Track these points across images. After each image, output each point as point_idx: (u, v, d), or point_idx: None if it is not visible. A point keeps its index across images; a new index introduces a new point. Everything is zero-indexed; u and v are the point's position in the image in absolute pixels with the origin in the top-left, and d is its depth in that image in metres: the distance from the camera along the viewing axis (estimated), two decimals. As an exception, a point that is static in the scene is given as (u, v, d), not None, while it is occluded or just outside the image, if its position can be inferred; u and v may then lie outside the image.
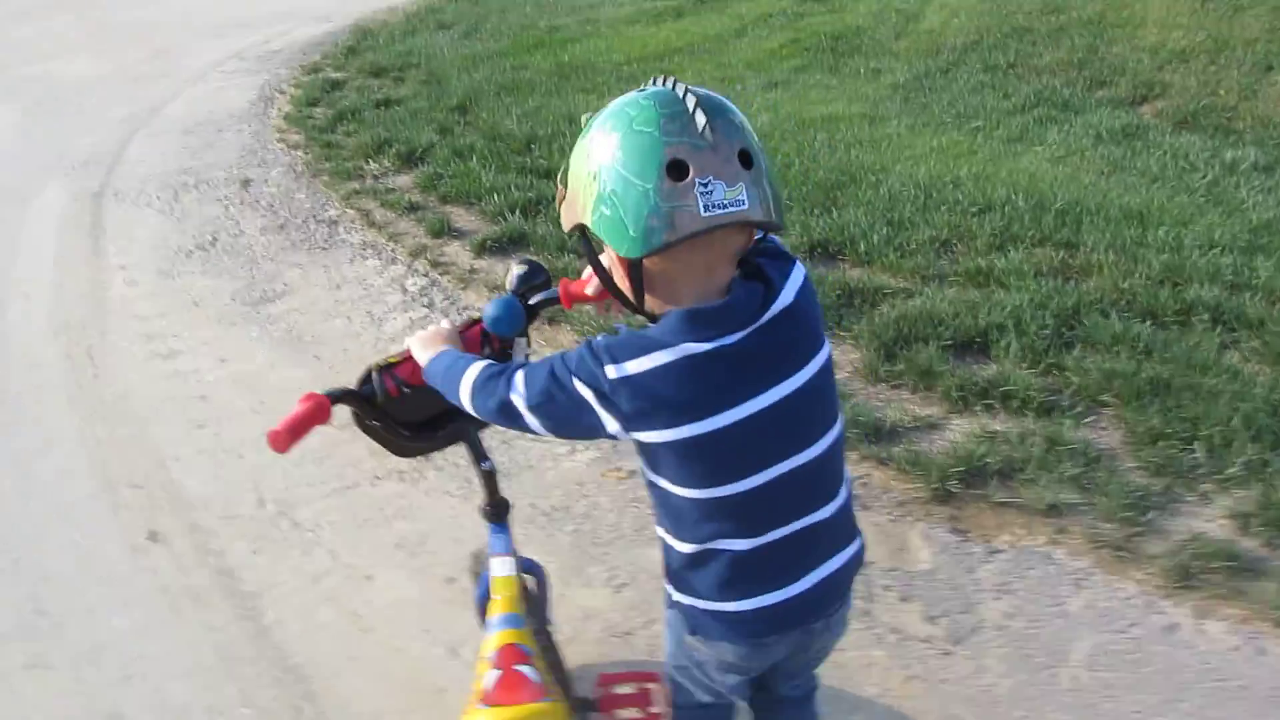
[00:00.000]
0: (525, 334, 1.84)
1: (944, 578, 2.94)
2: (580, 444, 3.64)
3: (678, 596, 1.60)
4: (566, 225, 1.42)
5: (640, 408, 1.36)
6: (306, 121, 7.93)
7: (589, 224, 1.34)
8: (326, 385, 1.74)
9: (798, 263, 1.47)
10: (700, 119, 1.27)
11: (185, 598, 3.08)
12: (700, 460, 1.41)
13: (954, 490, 3.23)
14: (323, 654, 2.84)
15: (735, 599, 1.52)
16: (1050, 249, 4.68)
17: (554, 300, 1.74)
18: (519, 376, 1.46)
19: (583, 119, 1.42)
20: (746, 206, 1.28)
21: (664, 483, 1.47)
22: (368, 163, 6.76)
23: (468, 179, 6.07)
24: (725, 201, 1.26)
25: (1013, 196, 5.32)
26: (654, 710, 1.85)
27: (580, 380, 1.38)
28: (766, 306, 1.39)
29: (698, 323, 1.35)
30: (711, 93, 1.36)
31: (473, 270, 5.06)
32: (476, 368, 1.54)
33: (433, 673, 2.74)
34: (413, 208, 5.90)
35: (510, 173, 6.17)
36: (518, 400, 1.45)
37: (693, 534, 1.50)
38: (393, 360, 1.76)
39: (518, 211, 5.52)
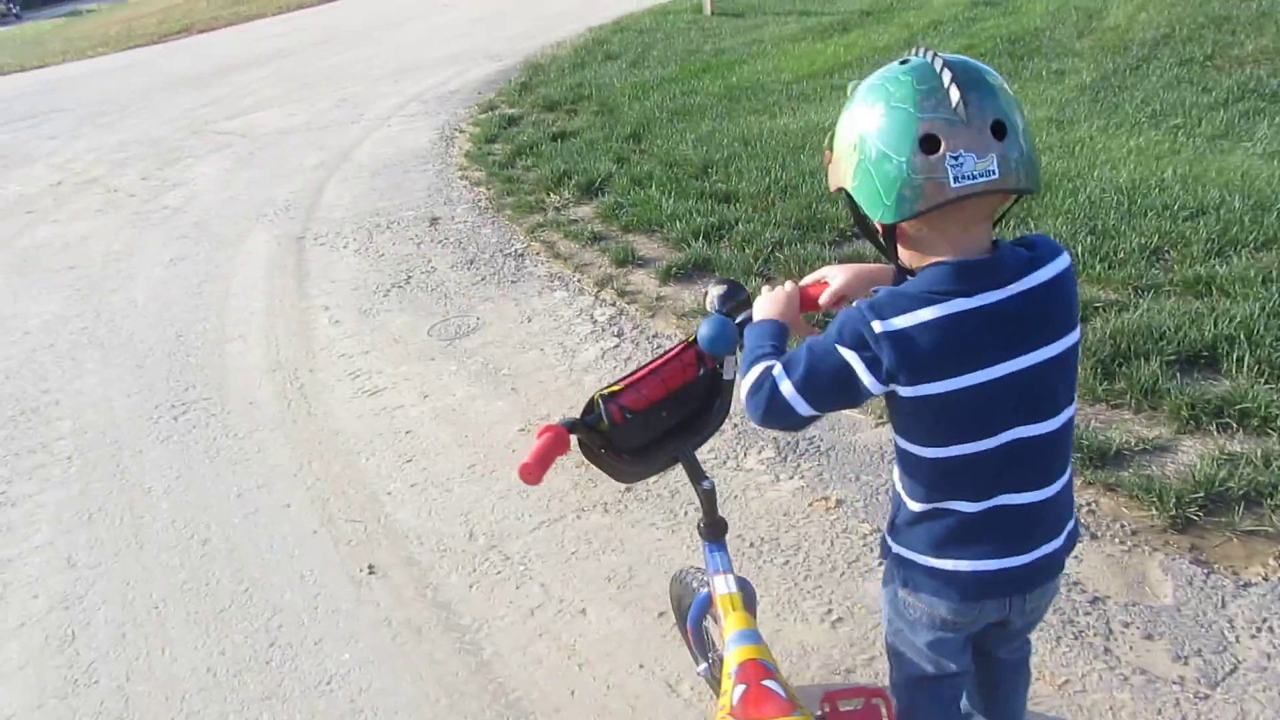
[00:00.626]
0: (734, 351, 1.84)
1: (1190, 613, 2.72)
2: (785, 473, 3.57)
3: (897, 549, 1.68)
4: (832, 186, 1.52)
5: (902, 362, 1.42)
6: (487, 158, 8.15)
7: (850, 189, 1.45)
8: (538, 417, 1.77)
9: (1066, 253, 1.51)
10: (954, 94, 1.33)
11: (407, 630, 3.15)
12: (948, 416, 1.48)
13: (1193, 518, 3.00)
14: (542, 688, 2.84)
15: (952, 558, 1.59)
16: (1277, 253, 4.33)
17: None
18: (779, 367, 1.54)
19: (848, 87, 1.48)
20: (997, 176, 1.33)
21: (908, 444, 1.55)
22: (549, 195, 6.88)
23: (648, 207, 6.09)
24: (975, 172, 1.32)
25: (1227, 198, 4.97)
26: None
27: (842, 345, 1.46)
28: (1032, 270, 1.45)
29: (964, 275, 1.42)
30: (969, 61, 1.39)
31: (659, 298, 5.06)
32: (758, 369, 1.58)
33: (652, 708, 2.71)
34: (596, 238, 5.96)
35: (690, 199, 6.16)
36: (785, 386, 1.52)
37: (926, 492, 1.57)
38: (615, 389, 1.81)
39: (701, 238, 5.49)
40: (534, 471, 1.62)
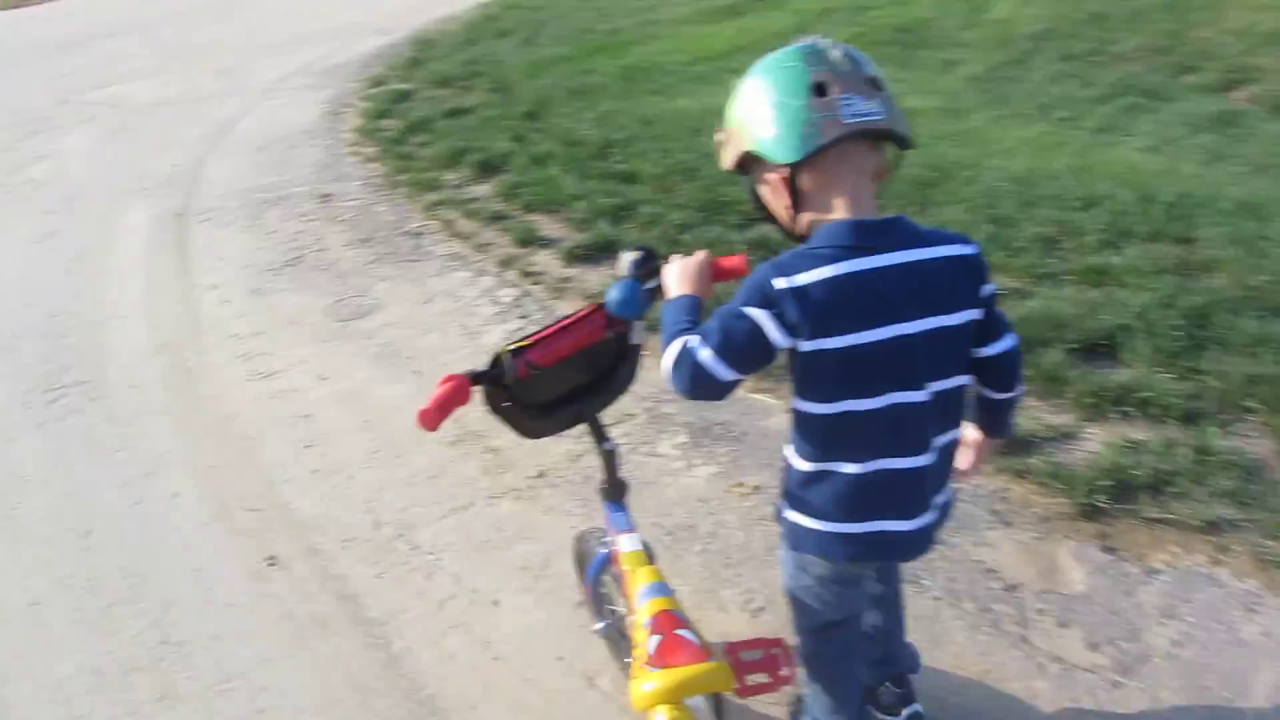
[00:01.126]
0: (643, 316, 1.93)
1: (1102, 601, 2.77)
2: (699, 459, 3.53)
3: (787, 513, 1.79)
4: (728, 163, 1.67)
5: (804, 316, 1.52)
6: (379, 134, 7.89)
7: (752, 147, 1.58)
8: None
9: (974, 246, 1.64)
10: (835, 52, 1.54)
11: (311, 625, 3.00)
12: (839, 372, 1.57)
13: (1101, 505, 3.05)
14: (456, 685, 2.74)
15: (839, 520, 1.70)
16: (1166, 244, 4.49)
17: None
18: (695, 339, 1.60)
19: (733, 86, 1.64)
20: (883, 117, 1.51)
21: (803, 402, 1.65)
22: (445, 173, 6.71)
23: (550, 186, 5.97)
24: (864, 111, 1.49)
25: (1116, 190, 5.12)
26: (783, 673, 1.88)
27: (750, 305, 1.54)
28: (923, 243, 1.58)
29: (860, 233, 1.55)
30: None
31: (564, 279, 4.96)
32: (676, 344, 1.64)
33: (571, 704, 2.63)
34: (496, 217, 5.82)
35: (591, 179, 6.07)
36: (704, 355, 1.58)
37: (815, 451, 1.68)
38: (522, 344, 1.83)
39: (604, 219, 5.41)
40: (433, 417, 1.65)
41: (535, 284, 4.98)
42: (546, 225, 5.63)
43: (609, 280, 2.21)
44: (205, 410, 4.19)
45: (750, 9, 11.85)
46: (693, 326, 1.65)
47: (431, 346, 4.48)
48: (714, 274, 1.82)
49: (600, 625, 2.51)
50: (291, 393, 4.24)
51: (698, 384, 1.61)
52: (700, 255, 1.83)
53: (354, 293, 5.12)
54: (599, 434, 2.01)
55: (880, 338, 1.55)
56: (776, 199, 1.64)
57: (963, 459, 1.86)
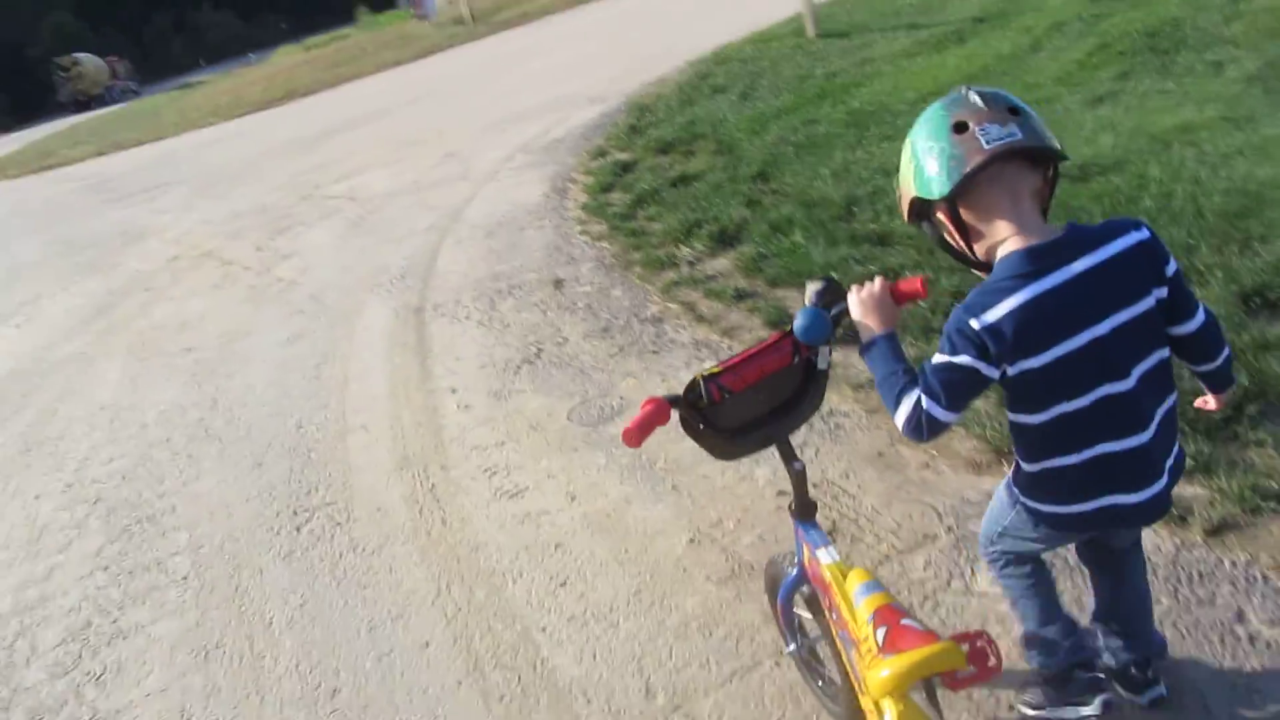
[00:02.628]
0: (829, 342, 1.96)
1: None
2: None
3: (1026, 500, 1.95)
4: (907, 218, 1.83)
5: (1002, 347, 1.66)
6: (605, 210, 7.56)
7: (915, 192, 1.73)
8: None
9: (1144, 227, 1.72)
10: (973, 96, 1.68)
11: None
12: (1046, 384, 1.71)
13: None
14: None
15: (1072, 503, 1.87)
16: None
17: (848, 311, 1.88)
18: (924, 399, 1.71)
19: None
20: (1020, 137, 1.62)
21: (1017, 415, 1.81)
22: (679, 248, 6.24)
23: (794, 256, 5.39)
24: (1001, 135, 1.62)
25: None
26: (991, 664, 1.72)
27: (957, 354, 1.68)
28: (1098, 245, 1.68)
29: (1033, 258, 1.66)
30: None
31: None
32: (907, 404, 1.74)
33: None
34: (740, 295, 5.27)
35: (839, 244, 5.44)
36: (938, 412, 1.71)
37: (1035, 454, 1.86)
38: (715, 370, 1.91)
39: (864, 291, 4.73)
40: (635, 436, 1.78)
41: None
42: (797, 301, 5.00)
43: (801, 293, 2.33)
44: (452, 538, 3.82)
45: (974, 33, 10.93)
46: (910, 379, 1.74)
47: (689, 455, 3.94)
48: (895, 299, 1.86)
49: (792, 647, 2.49)
50: (540, 516, 3.81)
51: (933, 433, 1.73)
52: (880, 282, 1.86)
53: (598, 392, 4.68)
54: (788, 454, 2.06)
55: (1076, 346, 1.67)
56: (951, 236, 1.77)
57: (1207, 407, 2.04)
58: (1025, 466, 1.89)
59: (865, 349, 1.83)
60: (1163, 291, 1.71)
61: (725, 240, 6.15)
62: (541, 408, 4.67)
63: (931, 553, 3.12)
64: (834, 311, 1.90)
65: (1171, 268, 1.72)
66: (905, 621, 1.65)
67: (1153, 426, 1.78)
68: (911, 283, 1.87)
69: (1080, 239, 1.67)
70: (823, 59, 11.52)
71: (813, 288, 1.94)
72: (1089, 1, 10.67)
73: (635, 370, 4.83)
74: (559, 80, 14.82)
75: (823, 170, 6.93)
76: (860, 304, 1.84)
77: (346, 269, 7.81)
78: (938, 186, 1.67)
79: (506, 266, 6.87)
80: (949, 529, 3.22)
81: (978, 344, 1.65)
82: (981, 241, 1.73)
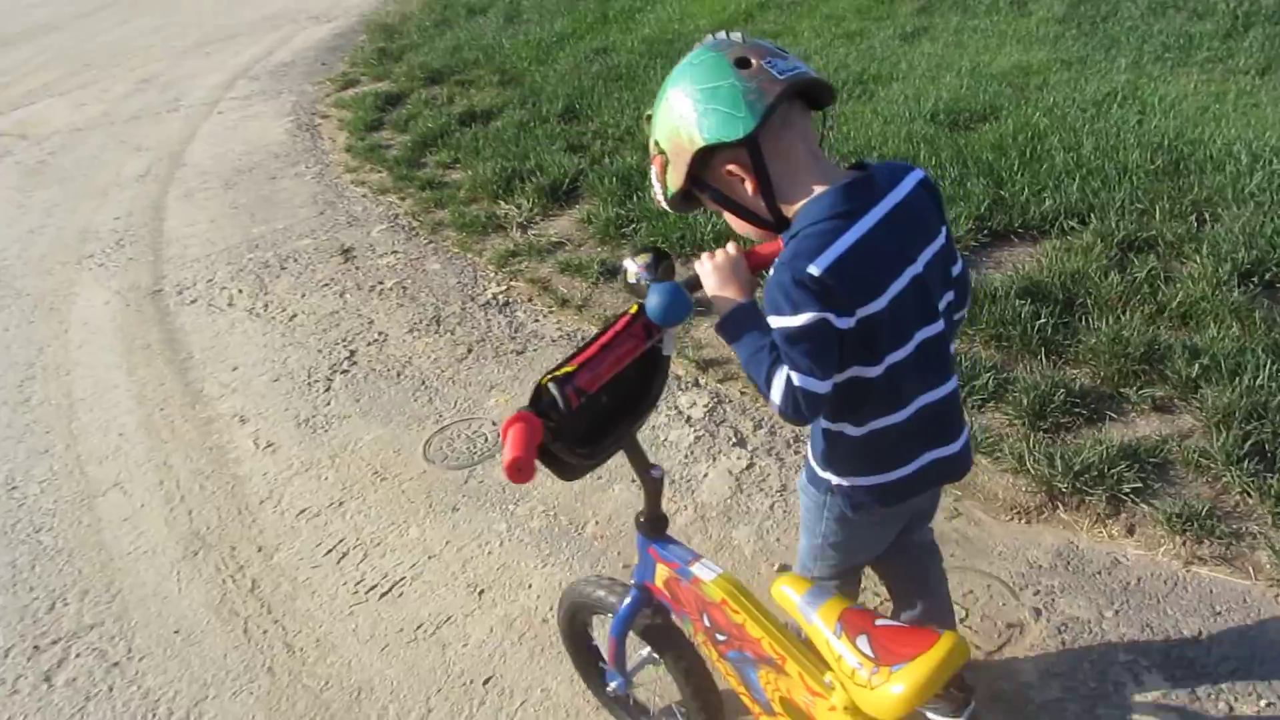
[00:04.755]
0: (687, 320, 1.81)
1: None
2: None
3: (841, 480, 1.68)
4: (679, 182, 1.50)
5: (850, 291, 1.42)
6: (379, 153, 6.12)
7: (703, 140, 1.43)
8: None
9: (917, 168, 1.55)
10: (737, 35, 1.46)
11: None
12: (882, 332, 1.47)
13: None
14: None
15: (897, 467, 1.64)
16: None
17: (697, 284, 1.57)
18: (796, 375, 1.43)
19: (649, 112, 1.52)
20: (806, 68, 1.44)
21: (854, 370, 1.51)
22: (498, 204, 4.98)
23: (665, 220, 4.31)
24: (790, 67, 1.42)
25: None
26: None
27: (800, 310, 1.39)
28: (898, 180, 1.51)
29: (850, 195, 1.45)
30: None
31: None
32: (779, 381, 1.44)
33: None
34: (611, 271, 4.14)
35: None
36: (813, 385, 1.43)
37: (865, 416, 1.58)
38: (567, 370, 1.48)
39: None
40: (525, 465, 1.35)
41: (725, 380, 3.35)
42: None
43: (621, 275, 1.77)
44: (313, 680, 2.51)
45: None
46: (777, 353, 1.44)
47: (619, 505, 2.83)
48: (751, 264, 1.55)
49: (615, 684, 2.04)
50: (439, 626, 2.59)
51: (814, 411, 1.46)
52: (734, 247, 1.55)
53: (456, 414, 3.45)
54: (641, 459, 1.69)
55: (903, 285, 1.48)
56: (745, 191, 1.49)
57: None
58: (850, 433, 1.61)
59: (724, 324, 1.52)
60: (945, 229, 1.57)
61: (557, 196, 4.98)
62: (380, 441, 3.38)
63: (1029, 649, 2.24)
64: (680, 281, 1.57)
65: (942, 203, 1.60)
66: (882, 623, 1.43)
67: (953, 372, 1.65)
68: (770, 245, 1.56)
69: (881, 175, 1.49)
70: (581, -23, 10.29)
71: (639, 261, 1.63)
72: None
73: (499, 379, 3.62)
74: (269, -5, 12.64)
75: (643, 108, 5.83)
76: (715, 273, 1.54)
77: (34, 234, 5.88)
78: (742, 124, 1.40)
79: (265, 229, 5.33)
80: (1036, 612, 2.35)
81: (820, 293, 1.39)
82: (784, 189, 1.47)
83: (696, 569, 1.70)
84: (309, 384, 3.78)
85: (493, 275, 4.39)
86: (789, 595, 1.51)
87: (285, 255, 4.95)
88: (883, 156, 4.68)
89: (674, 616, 1.83)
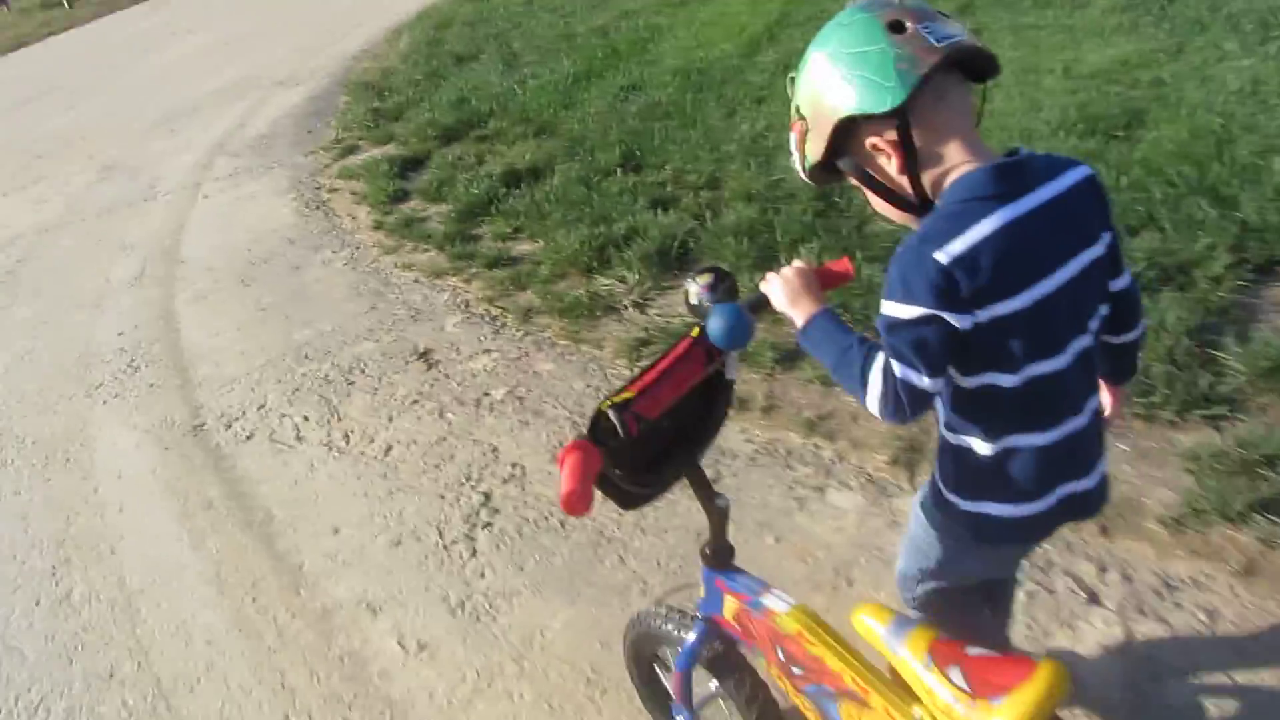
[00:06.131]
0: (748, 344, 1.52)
1: None
2: None
3: (969, 506, 1.46)
4: (819, 153, 1.35)
5: (978, 282, 1.23)
6: (419, 229, 5.25)
7: (848, 111, 1.28)
8: None
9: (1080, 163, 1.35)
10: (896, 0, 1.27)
11: None
12: (1028, 333, 1.29)
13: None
14: None
15: (1035, 499, 1.41)
16: None
17: (766, 303, 1.48)
18: (898, 367, 1.28)
19: (792, 74, 1.36)
20: (966, 38, 1.25)
21: (988, 377, 1.32)
22: (597, 279, 4.10)
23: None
24: (948, 33, 1.24)
25: None
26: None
27: (918, 303, 1.24)
28: (1055, 173, 1.31)
29: (1001, 177, 1.26)
30: None
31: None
32: (877, 378, 1.30)
33: None
34: (788, 355, 3.30)
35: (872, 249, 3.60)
36: (917, 379, 1.27)
37: (997, 430, 1.37)
38: (626, 395, 1.38)
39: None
40: (581, 496, 1.26)
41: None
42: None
43: (684, 297, 1.52)
44: None
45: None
46: (871, 347, 1.32)
47: None
48: (821, 283, 1.48)
49: (683, 718, 1.91)
50: None
51: (917, 409, 1.29)
52: (801, 265, 1.47)
53: (666, 577, 2.60)
54: (705, 488, 1.59)
55: (1054, 286, 1.27)
56: (889, 168, 1.31)
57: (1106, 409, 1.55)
58: (980, 449, 1.38)
59: (804, 333, 1.40)
60: (1110, 236, 1.36)
61: (667, 263, 4.14)
62: (576, 630, 2.51)
63: None
64: (747, 303, 1.45)
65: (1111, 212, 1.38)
66: (975, 651, 1.29)
67: (1096, 394, 1.44)
68: (840, 263, 1.52)
69: (1038, 164, 1.29)
70: (567, 15, 9.61)
71: (702, 281, 1.50)
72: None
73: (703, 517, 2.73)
74: (221, 64, 11.68)
75: (725, 148, 5.04)
76: (785, 287, 1.44)
77: (23, 361, 4.90)
78: (890, 95, 1.22)
79: (310, 334, 4.40)
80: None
81: (942, 285, 1.21)
82: (932, 169, 1.29)
83: (768, 600, 1.59)
84: (445, 548, 2.88)
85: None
86: (871, 626, 1.39)
87: (347, 366, 4.03)
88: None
89: (742, 649, 1.72)
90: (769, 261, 3.81)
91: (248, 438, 3.72)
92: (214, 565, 3.07)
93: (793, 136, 1.40)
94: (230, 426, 3.83)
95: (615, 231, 4.37)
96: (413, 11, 11.48)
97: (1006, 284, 1.25)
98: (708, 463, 2.83)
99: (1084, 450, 1.44)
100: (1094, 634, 2.16)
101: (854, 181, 1.38)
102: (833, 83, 1.28)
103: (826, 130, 1.32)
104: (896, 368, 1.28)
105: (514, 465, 3.18)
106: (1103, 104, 4.57)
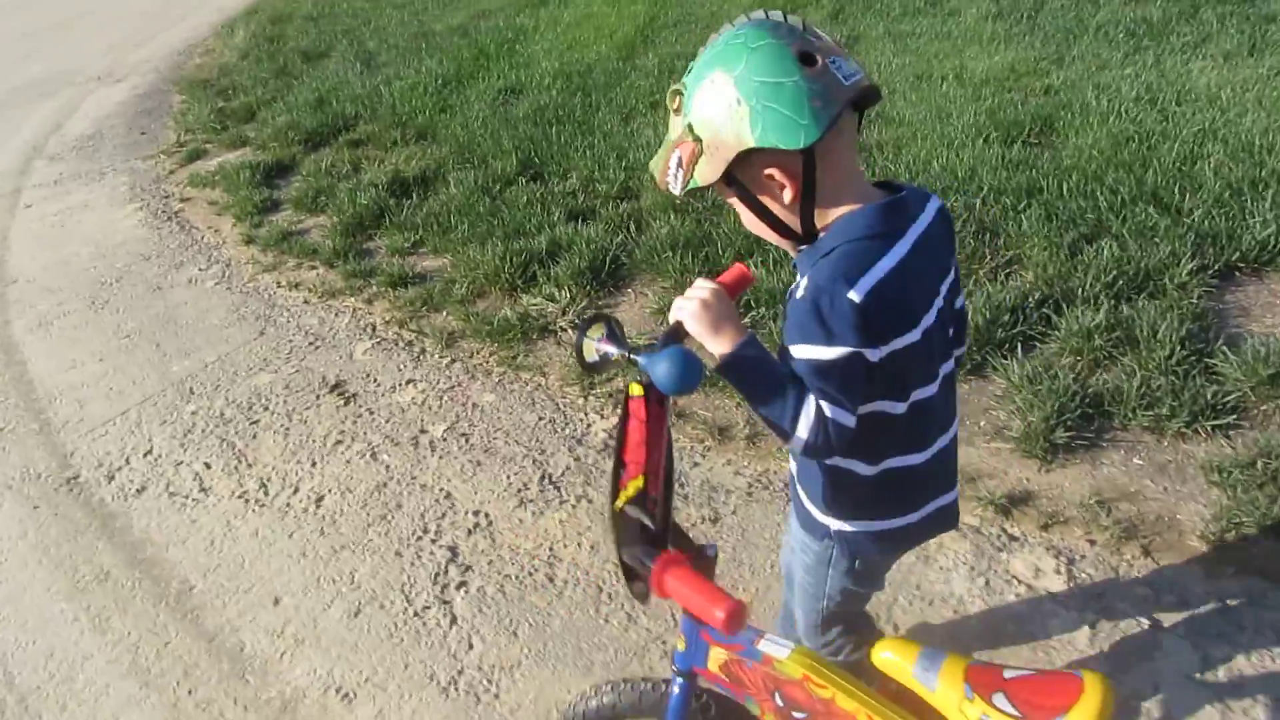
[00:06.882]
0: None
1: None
2: None
3: (845, 525, 1.52)
4: (711, 177, 1.29)
5: (887, 317, 1.27)
6: (300, 243, 4.78)
7: (754, 142, 1.24)
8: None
9: (932, 195, 1.41)
10: (796, 20, 1.26)
11: None
12: (912, 365, 1.34)
13: None
14: None
15: (913, 509, 1.51)
16: None
17: (684, 333, 1.38)
18: (825, 405, 1.27)
19: (677, 86, 1.31)
20: (863, 74, 1.26)
21: (879, 405, 1.36)
22: (523, 298, 3.81)
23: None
24: (851, 71, 1.24)
25: None
26: None
27: (837, 342, 1.24)
28: (925, 205, 1.38)
29: (889, 215, 1.31)
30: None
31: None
32: (807, 413, 1.27)
33: None
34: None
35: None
36: (842, 416, 1.27)
37: (880, 454, 1.43)
38: (636, 484, 1.23)
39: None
40: (737, 610, 1.09)
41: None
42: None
43: (575, 353, 1.45)
44: None
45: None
46: (798, 385, 1.28)
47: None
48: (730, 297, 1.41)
49: None
50: None
51: (842, 443, 1.28)
52: (714, 284, 1.37)
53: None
54: (688, 540, 1.39)
55: (933, 316, 1.35)
56: (781, 196, 1.30)
57: None
58: (861, 471, 1.43)
59: (728, 365, 1.31)
60: (954, 261, 1.45)
61: (600, 278, 3.87)
62: None
63: None
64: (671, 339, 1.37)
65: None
66: (1012, 674, 1.28)
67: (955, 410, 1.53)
68: (735, 272, 1.51)
69: (912, 198, 1.35)
70: (419, 13, 9.19)
71: (595, 336, 1.41)
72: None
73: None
74: (22, 57, 10.49)
75: (632, 155, 4.82)
76: (704, 315, 1.33)
77: None
78: (804, 132, 1.21)
79: (191, 365, 3.90)
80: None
81: (860, 323, 1.23)
82: (825, 204, 1.30)
83: (765, 647, 1.50)
84: (417, 614, 2.52)
85: (583, 403, 3.23)
86: (897, 662, 1.36)
87: (246, 402, 3.57)
88: (955, 191, 3.88)
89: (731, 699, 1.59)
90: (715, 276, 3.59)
91: (138, 491, 3.21)
92: (128, 652, 2.59)
93: (677, 154, 1.32)
94: (113, 478, 3.30)
95: (535, 246, 4.05)
96: (238, 6, 10.66)
97: (905, 318, 1.30)
98: (700, 504, 2.61)
99: (949, 466, 1.54)
100: (1171, 664, 2.06)
101: (730, 200, 1.35)
102: (741, 112, 1.23)
103: (726, 157, 1.27)
104: (827, 409, 1.27)
105: (476, 513, 2.84)
106: (1010, 111, 4.61)
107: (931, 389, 1.40)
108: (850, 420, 1.28)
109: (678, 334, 1.37)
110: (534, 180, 4.85)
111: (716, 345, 1.34)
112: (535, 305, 3.75)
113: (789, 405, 1.28)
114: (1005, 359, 2.98)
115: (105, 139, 7.19)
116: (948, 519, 1.59)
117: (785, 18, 1.26)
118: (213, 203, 5.55)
